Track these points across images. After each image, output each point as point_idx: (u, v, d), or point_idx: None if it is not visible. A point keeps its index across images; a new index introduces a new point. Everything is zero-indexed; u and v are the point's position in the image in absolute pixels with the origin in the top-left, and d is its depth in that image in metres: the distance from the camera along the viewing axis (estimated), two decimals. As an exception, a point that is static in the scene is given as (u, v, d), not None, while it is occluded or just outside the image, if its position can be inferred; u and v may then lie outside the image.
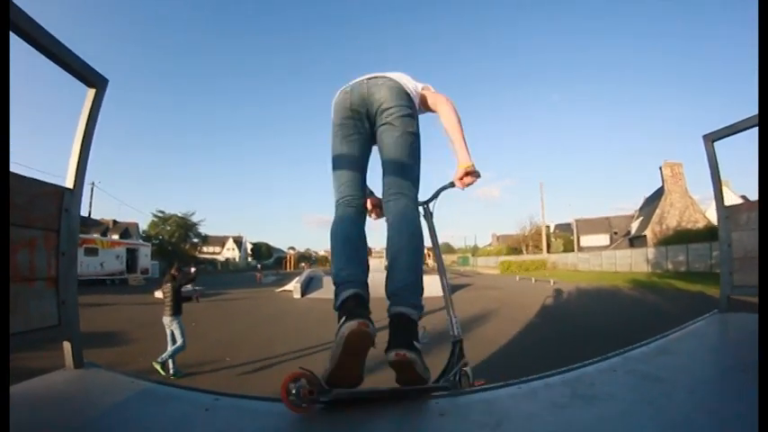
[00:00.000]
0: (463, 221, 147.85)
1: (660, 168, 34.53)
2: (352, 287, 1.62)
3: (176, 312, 6.84)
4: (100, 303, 14.10)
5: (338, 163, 1.86)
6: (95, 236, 27.70)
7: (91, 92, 1.73)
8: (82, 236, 23.84)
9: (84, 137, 1.70)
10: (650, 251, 28.42)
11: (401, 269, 1.69)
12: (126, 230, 47.52)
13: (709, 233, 24.70)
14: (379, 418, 1.50)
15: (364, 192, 1.89)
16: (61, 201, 1.56)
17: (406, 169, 1.81)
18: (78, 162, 1.66)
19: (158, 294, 17.36)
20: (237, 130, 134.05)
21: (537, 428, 1.38)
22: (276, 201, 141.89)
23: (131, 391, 1.55)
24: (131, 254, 26.57)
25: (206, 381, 6.10)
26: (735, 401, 1.43)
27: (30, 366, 1.69)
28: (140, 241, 34.01)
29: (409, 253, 1.70)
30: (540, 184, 45.30)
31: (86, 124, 1.72)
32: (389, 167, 1.80)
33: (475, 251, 74.80)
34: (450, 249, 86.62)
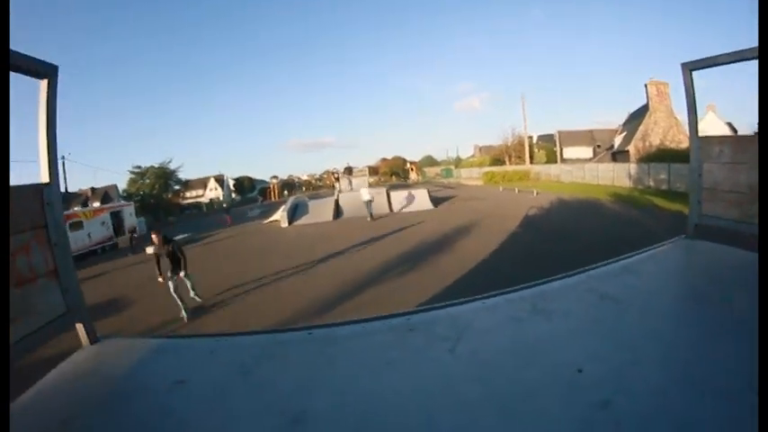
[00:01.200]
0: (445, 133, 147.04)
1: (646, 86, 33.98)
2: None
3: (176, 270, 7.35)
4: (96, 275, 13.97)
5: None
6: (77, 209, 26.99)
7: (43, 83, 1.65)
8: (64, 213, 23.02)
9: (48, 129, 1.65)
10: (632, 167, 28.70)
11: None
12: (106, 194, 46.43)
13: (692, 155, 24.89)
14: (353, 336, 1.75)
15: None
16: (42, 197, 1.57)
17: None
18: (48, 155, 1.63)
19: (149, 250, 17.41)
20: (201, 65, 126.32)
21: (493, 339, 1.58)
22: (253, 131, 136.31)
23: (147, 351, 1.74)
24: (116, 216, 25.98)
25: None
26: (683, 328, 1.57)
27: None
28: (122, 202, 33.35)
29: None
30: (522, 97, 44.97)
31: (47, 115, 1.66)
32: None
33: (458, 163, 72.98)
34: (432, 162, 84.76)
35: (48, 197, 1.59)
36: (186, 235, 21.21)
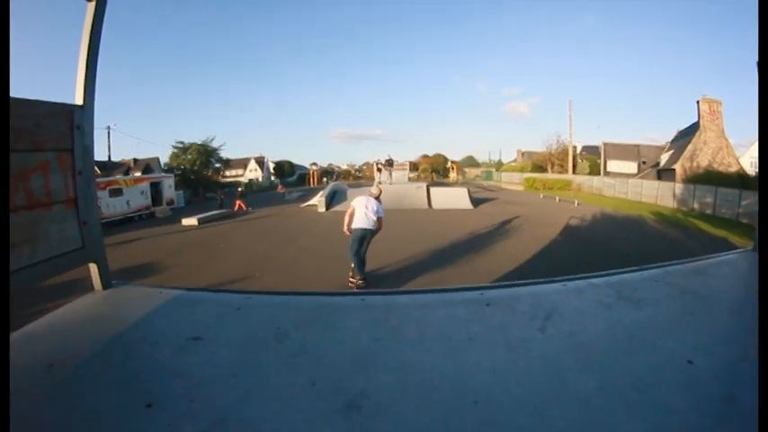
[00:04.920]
0: (488, 135, 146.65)
1: (697, 103, 32.21)
2: None
3: None
4: (130, 240, 14.24)
5: None
6: (118, 176, 28.16)
7: (90, 5, 1.58)
8: (105, 179, 24.13)
9: (88, 53, 1.59)
10: (678, 186, 27.33)
11: None
12: (147, 166, 48.27)
13: (740, 180, 23.75)
14: (428, 308, 1.55)
15: None
16: (72, 119, 1.48)
17: None
18: (86, 78, 1.56)
19: (185, 222, 17.99)
20: (254, 51, 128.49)
21: (586, 323, 1.42)
22: (299, 117, 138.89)
23: (162, 301, 1.59)
24: (155, 187, 26.77)
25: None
26: None
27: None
28: (163, 174, 34.45)
29: None
30: (569, 102, 43.52)
31: (90, 40, 1.59)
32: None
33: (499, 166, 71.99)
34: (473, 163, 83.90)
35: (78, 120, 1.51)
36: (223, 210, 21.89)
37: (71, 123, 1.47)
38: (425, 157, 79.64)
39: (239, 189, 25.97)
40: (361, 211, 6.82)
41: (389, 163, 26.77)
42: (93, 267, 1.65)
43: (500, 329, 1.36)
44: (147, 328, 1.40)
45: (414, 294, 1.72)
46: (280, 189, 39.37)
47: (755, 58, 2.57)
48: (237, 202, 23.60)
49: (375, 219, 6.82)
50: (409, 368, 1.12)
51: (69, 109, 1.48)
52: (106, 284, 1.69)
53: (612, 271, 1.92)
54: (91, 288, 1.69)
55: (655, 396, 1.00)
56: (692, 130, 33.49)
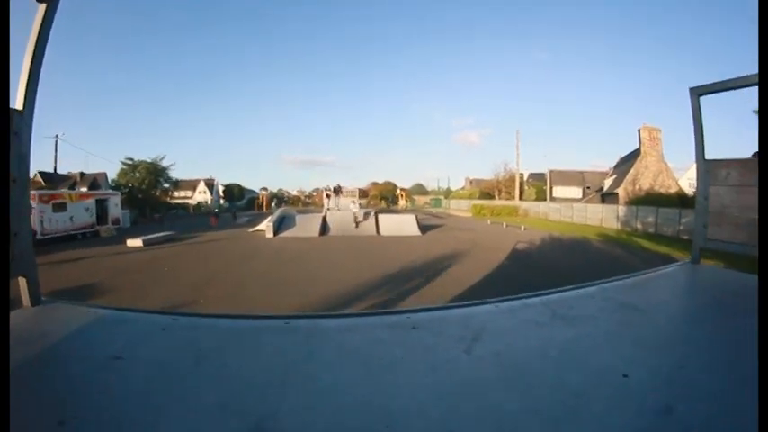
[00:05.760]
0: (438, 163, 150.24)
1: (639, 131, 34.99)
2: None
3: None
4: (72, 259, 13.48)
5: None
6: (63, 190, 26.43)
7: (41, 7, 1.53)
8: (49, 192, 22.57)
9: (34, 55, 1.53)
10: (621, 209, 29.15)
11: None
12: (94, 181, 45.75)
13: (679, 200, 25.63)
14: (351, 332, 1.54)
15: None
16: (9, 123, 1.40)
17: None
18: (28, 82, 1.49)
19: (130, 243, 17.06)
20: (206, 68, 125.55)
21: (517, 342, 1.43)
22: (250, 141, 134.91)
23: (90, 320, 1.54)
24: (101, 205, 25.19)
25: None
26: (714, 331, 1.49)
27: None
28: (109, 191, 32.64)
29: None
30: (517, 132, 46.35)
31: (36, 43, 1.53)
32: None
33: (448, 194, 73.62)
34: (422, 190, 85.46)
35: (16, 126, 1.43)
36: (169, 233, 20.97)
37: (7, 128, 1.39)
38: (375, 184, 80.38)
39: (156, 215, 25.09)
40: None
41: (336, 190, 28.52)
42: (22, 282, 1.54)
43: (425, 352, 1.35)
44: (70, 346, 1.34)
45: (338, 318, 1.73)
46: (213, 222, 30.61)
47: (689, 85, 2.86)
48: None
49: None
50: (323, 391, 1.10)
51: (7, 113, 1.41)
52: (35, 301, 1.58)
53: (549, 290, 1.97)
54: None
55: (585, 412, 0.99)
56: (633, 155, 36.08)
